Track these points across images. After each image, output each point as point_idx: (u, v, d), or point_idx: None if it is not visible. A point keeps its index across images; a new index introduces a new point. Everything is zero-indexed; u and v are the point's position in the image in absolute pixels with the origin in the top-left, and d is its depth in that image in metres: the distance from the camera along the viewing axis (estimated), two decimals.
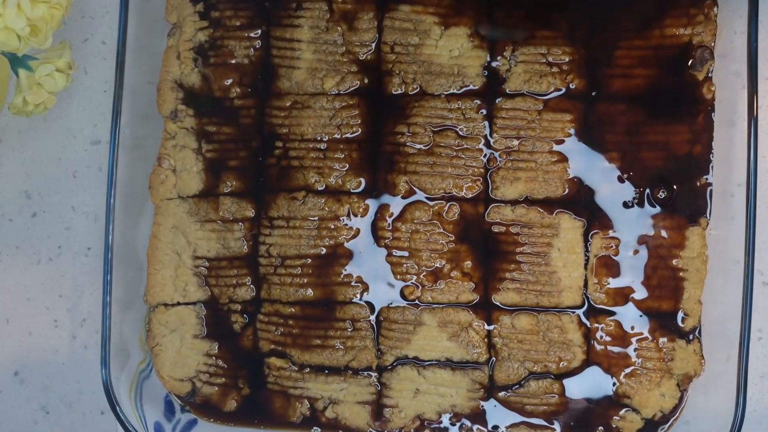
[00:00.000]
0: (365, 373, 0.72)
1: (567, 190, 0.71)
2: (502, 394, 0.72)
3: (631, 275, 0.70)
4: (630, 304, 0.70)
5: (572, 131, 0.71)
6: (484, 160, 0.72)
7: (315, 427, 0.73)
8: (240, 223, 0.73)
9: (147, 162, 0.76)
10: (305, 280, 0.73)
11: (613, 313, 0.71)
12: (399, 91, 0.73)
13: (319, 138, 0.73)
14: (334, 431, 0.73)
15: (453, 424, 0.72)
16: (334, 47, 0.73)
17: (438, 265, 0.71)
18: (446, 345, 0.72)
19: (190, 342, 0.74)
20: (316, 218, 0.73)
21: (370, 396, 0.73)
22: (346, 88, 0.73)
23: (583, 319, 0.71)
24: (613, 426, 0.71)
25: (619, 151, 0.70)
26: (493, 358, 0.72)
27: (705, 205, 0.70)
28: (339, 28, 0.73)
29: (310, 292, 0.73)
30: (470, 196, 0.72)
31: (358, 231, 0.73)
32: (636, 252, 0.70)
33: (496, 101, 0.72)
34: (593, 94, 0.71)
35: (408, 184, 0.72)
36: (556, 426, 0.71)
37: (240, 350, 0.74)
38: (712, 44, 0.70)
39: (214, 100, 0.74)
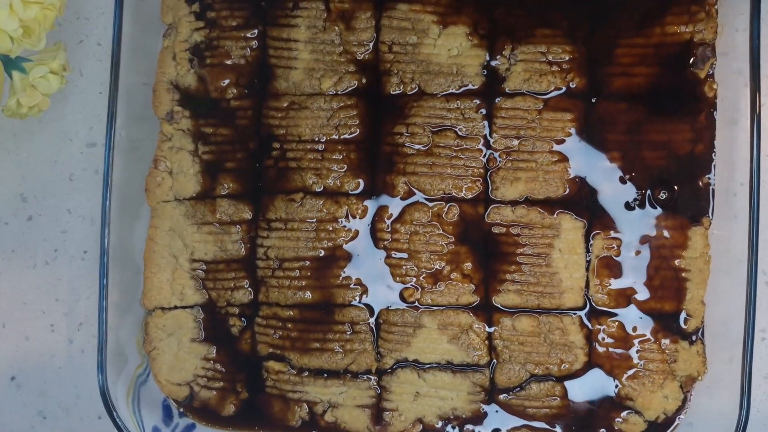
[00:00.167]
0: (365, 376, 0.72)
1: (568, 190, 0.70)
2: (503, 396, 0.71)
3: (633, 276, 0.70)
4: (632, 305, 0.70)
5: (573, 130, 0.70)
6: (484, 160, 0.71)
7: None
8: (237, 226, 0.73)
9: (143, 164, 0.75)
10: (303, 283, 0.72)
11: (615, 315, 0.70)
12: (397, 91, 0.72)
13: (316, 139, 0.72)
14: None
15: (454, 428, 0.71)
16: (331, 47, 0.72)
17: (438, 266, 0.71)
18: (446, 347, 0.71)
19: (187, 346, 0.73)
20: (314, 220, 0.72)
21: (369, 399, 0.72)
22: (343, 89, 0.72)
23: (585, 321, 0.70)
24: (616, 428, 0.70)
25: (621, 151, 0.70)
26: (494, 361, 0.71)
27: (707, 204, 0.69)
28: (336, 28, 0.72)
29: (308, 294, 0.72)
30: (470, 196, 0.71)
31: (356, 233, 0.72)
32: (638, 252, 0.69)
33: (496, 101, 0.71)
34: (594, 93, 0.70)
35: (407, 185, 0.71)
36: (558, 429, 0.70)
37: (238, 354, 0.73)
38: (714, 42, 0.69)
39: (210, 102, 0.73)
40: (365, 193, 0.72)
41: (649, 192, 0.69)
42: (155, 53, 0.75)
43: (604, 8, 0.70)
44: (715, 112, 0.69)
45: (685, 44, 0.69)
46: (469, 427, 0.71)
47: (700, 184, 0.69)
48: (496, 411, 0.71)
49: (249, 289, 0.73)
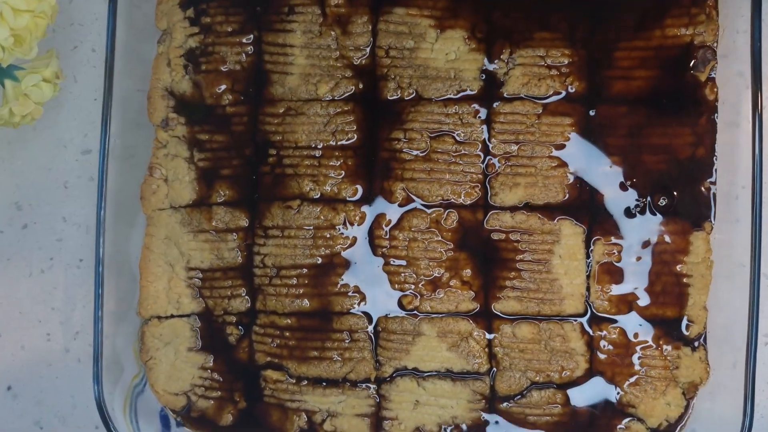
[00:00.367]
0: (364, 385, 0.71)
1: (567, 196, 0.69)
2: (503, 404, 0.70)
3: (635, 282, 0.69)
4: (633, 312, 0.69)
5: (572, 135, 0.69)
6: (483, 165, 0.70)
7: None
8: (234, 233, 0.72)
9: (139, 171, 0.74)
10: (301, 291, 0.71)
11: (616, 321, 0.69)
12: (395, 96, 0.71)
13: (313, 145, 0.71)
14: None
15: None
16: (327, 52, 0.72)
17: (437, 273, 0.70)
18: (446, 355, 0.70)
19: (184, 355, 0.72)
20: (312, 227, 0.71)
21: (369, 408, 0.71)
22: (340, 94, 0.72)
23: (586, 328, 0.69)
24: None
25: (621, 155, 0.69)
26: (494, 368, 0.70)
27: (709, 209, 0.68)
28: (332, 33, 0.71)
29: (306, 302, 0.71)
30: (469, 202, 0.70)
31: (354, 240, 0.71)
32: (639, 258, 0.69)
33: (494, 105, 0.70)
34: (593, 97, 0.69)
35: (405, 191, 0.70)
36: None
37: (235, 363, 0.72)
38: (715, 44, 0.68)
39: (205, 108, 0.73)
40: (363, 200, 0.71)
41: (649, 198, 0.68)
42: (150, 59, 0.74)
43: (604, 11, 0.70)
44: (716, 116, 0.68)
45: (685, 47, 0.69)
46: None
47: (702, 188, 0.68)
48: (497, 422, 0.70)
49: (246, 297, 0.72)
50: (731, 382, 0.68)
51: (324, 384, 0.71)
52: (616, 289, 0.69)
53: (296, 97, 0.72)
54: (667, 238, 0.68)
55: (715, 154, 0.68)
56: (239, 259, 0.72)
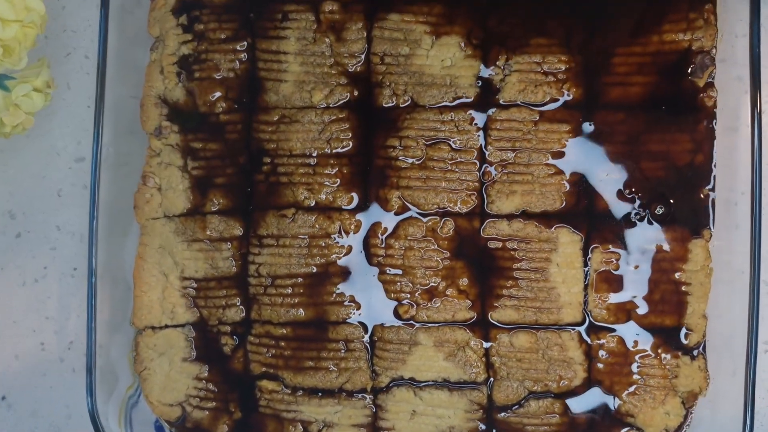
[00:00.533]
0: (360, 395, 0.70)
1: (565, 203, 0.69)
2: (501, 414, 0.69)
3: (633, 290, 0.68)
4: (632, 320, 0.68)
5: (569, 142, 0.69)
6: (479, 173, 0.69)
7: None
8: (228, 243, 0.71)
9: (132, 179, 0.73)
10: (296, 300, 0.71)
11: (614, 330, 0.68)
12: (390, 104, 0.70)
13: (308, 153, 0.71)
14: None
15: None
16: (322, 59, 0.71)
17: (433, 282, 0.69)
18: (443, 365, 0.70)
19: (179, 365, 0.72)
20: (307, 236, 0.70)
21: (365, 419, 0.70)
22: (335, 101, 0.71)
23: (584, 336, 0.69)
24: None
25: (619, 162, 0.68)
26: (492, 378, 0.69)
27: (708, 216, 0.68)
28: (327, 39, 0.71)
29: (301, 312, 0.71)
30: (465, 210, 0.69)
31: (350, 248, 0.70)
32: (637, 266, 0.68)
33: (490, 112, 0.69)
34: (590, 103, 0.69)
35: (401, 199, 0.70)
36: None
37: (231, 373, 0.72)
38: (713, 50, 0.68)
39: (199, 116, 0.72)
40: (358, 208, 0.70)
41: (647, 205, 0.68)
42: (143, 66, 0.74)
43: (601, 16, 0.69)
44: (714, 122, 0.68)
45: (683, 52, 0.68)
46: None
47: (701, 195, 0.68)
48: None
49: (241, 306, 0.71)
50: (731, 389, 0.67)
51: (320, 394, 0.71)
52: (615, 298, 0.68)
53: (290, 105, 0.71)
54: (665, 246, 0.68)
55: (714, 160, 0.68)
56: (234, 269, 0.71)
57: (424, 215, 0.70)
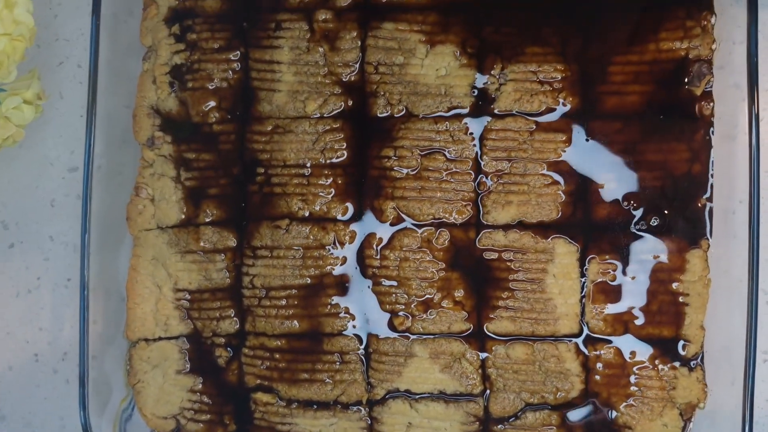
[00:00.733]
0: (355, 407, 0.70)
1: (561, 214, 0.68)
2: (498, 426, 0.69)
3: (630, 301, 0.67)
4: (629, 332, 0.68)
5: (566, 152, 0.68)
6: (475, 183, 0.69)
7: None
8: (222, 254, 0.71)
9: (126, 189, 0.73)
10: (291, 312, 0.70)
11: (611, 341, 0.68)
12: (384, 113, 0.70)
13: (302, 163, 0.70)
14: None
15: None
16: (315, 68, 0.70)
17: (428, 294, 0.69)
18: (439, 377, 0.69)
19: (173, 378, 0.71)
20: (301, 247, 0.70)
21: (360, 431, 0.70)
22: (329, 111, 0.70)
23: (581, 348, 0.68)
24: None
25: (615, 172, 0.68)
26: (488, 390, 0.69)
27: (705, 226, 0.67)
28: (320, 49, 0.70)
29: (296, 324, 0.70)
30: (461, 221, 0.69)
31: (344, 260, 0.70)
32: (634, 277, 0.67)
33: (486, 122, 0.69)
34: (587, 112, 0.68)
35: (396, 210, 0.69)
36: None
37: (225, 385, 0.71)
38: (710, 58, 0.67)
39: (192, 126, 0.71)
40: (353, 219, 0.70)
41: (644, 217, 0.67)
42: (136, 76, 0.73)
43: (597, 24, 0.68)
44: (712, 130, 0.67)
45: (680, 61, 0.67)
46: None
47: (698, 205, 0.67)
48: None
49: (235, 318, 0.71)
50: (729, 399, 0.67)
51: (315, 407, 0.70)
52: (612, 309, 0.68)
53: (284, 115, 0.70)
54: (663, 257, 0.67)
55: (712, 169, 0.67)
56: (228, 280, 0.71)
57: (419, 226, 0.69)
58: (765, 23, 0.72)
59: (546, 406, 0.68)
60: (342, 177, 0.70)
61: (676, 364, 0.67)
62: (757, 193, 0.66)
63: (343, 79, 0.70)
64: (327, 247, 0.70)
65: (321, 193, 0.70)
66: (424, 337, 0.69)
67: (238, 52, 0.71)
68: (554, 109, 0.68)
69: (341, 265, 0.70)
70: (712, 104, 0.67)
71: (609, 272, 0.67)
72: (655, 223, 0.67)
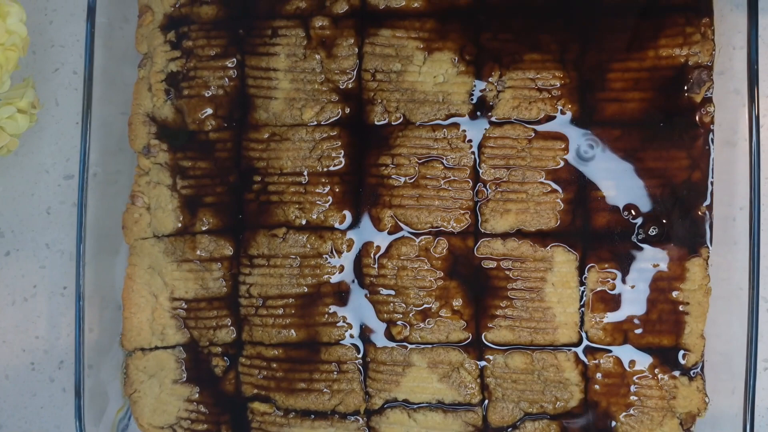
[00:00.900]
0: (353, 417, 0.69)
1: (560, 222, 0.67)
2: None
3: (630, 310, 0.67)
4: (629, 341, 0.67)
5: (564, 159, 0.68)
6: (473, 191, 0.68)
7: None
8: (218, 263, 0.70)
9: (122, 197, 0.72)
10: (288, 321, 0.70)
11: (610, 350, 0.67)
12: (382, 121, 0.69)
13: (299, 171, 0.69)
14: None
15: None
16: (312, 76, 0.70)
17: (426, 303, 0.68)
18: (437, 386, 0.69)
19: (169, 387, 0.71)
20: (298, 256, 0.69)
21: None
22: (326, 119, 0.70)
23: (580, 357, 0.68)
24: None
25: (615, 180, 0.67)
26: (487, 399, 0.68)
27: (705, 234, 0.66)
28: (317, 56, 0.70)
29: (293, 333, 0.70)
30: (459, 229, 0.68)
31: (342, 268, 0.69)
32: (634, 286, 0.67)
33: (484, 129, 0.68)
34: (586, 120, 0.67)
35: (393, 218, 0.69)
36: None
37: (222, 395, 0.71)
38: (710, 65, 0.66)
39: (188, 134, 0.71)
40: (350, 228, 0.69)
41: (641, 226, 0.67)
42: (132, 83, 0.72)
43: (595, 31, 0.68)
44: (712, 138, 0.66)
45: (680, 67, 0.67)
46: None
47: (698, 213, 0.66)
48: None
49: (232, 327, 0.70)
50: (730, 408, 0.66)
51: (312, 416, 0.70)
52: (611, 318, 0.67)
53: (281, 123, 0.70)
54: (662, 265, 0.67)
55: (712, 179, 0.67)
56: (224, 289, 0.70)
57: (417, 234, 0.69)
58: (765, 28, 0.72)
59: (545, 416, 0.68)
60: (339, 185, 0.69)
61: (676, 373, 0.67)
62: (758, 200, 0.65)
63: (340, 87, 0.70)
64: (324, 256, 0.69)
65: (318, 202, 0.69)
66: (422, 346, 0.69)
67: (235, 60, 0.71)
68: (553, 117, 0.68)
69: (338, 274, 0.69)
70: (712, 111, 0.66)
71: (608, 281, 0.67)
72: (655, 232, 0.66)
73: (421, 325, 0.68)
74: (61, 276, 0.77)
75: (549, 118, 0.68)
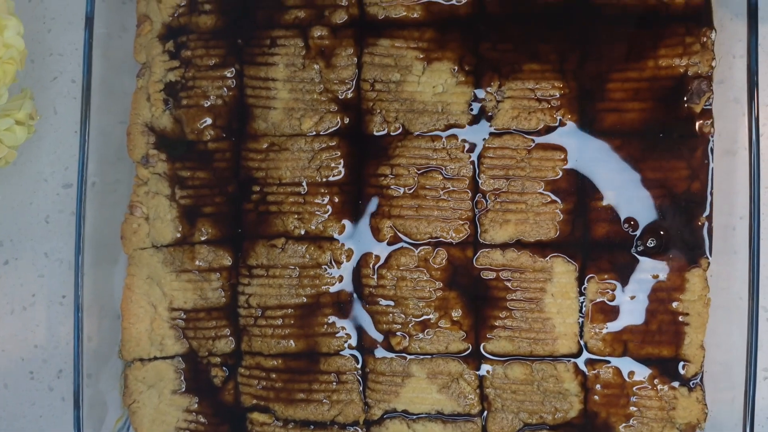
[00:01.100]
0: (352, 428, 0.69)
1: (559, 232, 0.67)
2: None
3: (629, 321, 0.67)
4: (628, 351, 0.67)
5: (564, 170, 0.67)
6: (472, 202, 0.68)
7: None
8: (217, 273, 0.70)
9: (120, 207, 0.72)
10: (287, 332, 0.69)
11: (610, 361, 0.67)
12: (381, 131, 0.69)
13: (298, 181, 0.69)
14: None
15: None
16: (311, 85, 0.70)
17: (426, 313, 0.68)
18: (436, 397, 0.68)
19: (168, 398, 0.71)
20: (297, 266, 0.69)
21: None
22: (325, 129, 0.69)
23: (580, 367, 0.68)
24: None
25: (614, 190, 0.67)
26: (486, 410, 0.68)
27: (705, 245, 0.66)
28: (316, 66, 0.69)
29: (292, 343, 0.70)
30: (458, 240, 0.68)
31: (341, 279, 0.69)
32: (633, 297, 0.67)
33: (483, 140, 0.68)
34: (585, 130, 0.67)
35: (393, 229, 0.68)
36: None
37: (221, 405, 0.70)
38: (710, 75, 0.66)
39: (187, 144, 0.71)
40: (349, 238, 0.69)
41: (641, 237, 0.66)
42: (131, 92, 0.72)
43: (595, 41, 0.67)
44: (711, 148, 0.66)
45: (679, 78, 0.66)
46: None
47: (698, 223, 0.66)
48: None
49: (231, 338, 0.70)
50: (730, 417, 0.66)
51: (312, 427, 0.70)
52: (611, 328, 0.67)
53: (280, 133, 0.70)
54: (662, 276, 0.67)
55: (712, 186, 0.66)
56: (223, 299, 0.70)
57: (417, 245, 0.68)
58: (765, 37, 0.71)
59: (544, 426, 0.68)
60: (338, 195, 0.69)
61: (676, 384, 0.67)
62: (758, 209, 0.65)
63: (339, 97, 0.69)
64: (323, 266, 0.69)
65: (317, 212, 0.69)
66: (422, 357, 0.69)
67: (233, 69, 0.70)
68: (552, 127, 0.67)
69: (338, 284, 0.69)
70: (711, 122, 0.66)
71: (608, 292, 0.67)
72: (655, 242, 0.66)
73: (421, 335, 0.68)
74: (60, 285, 0.77)
75: (548, 129, 0.67)
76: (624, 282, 0.67)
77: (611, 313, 0.67)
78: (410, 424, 0.69)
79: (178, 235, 0.70)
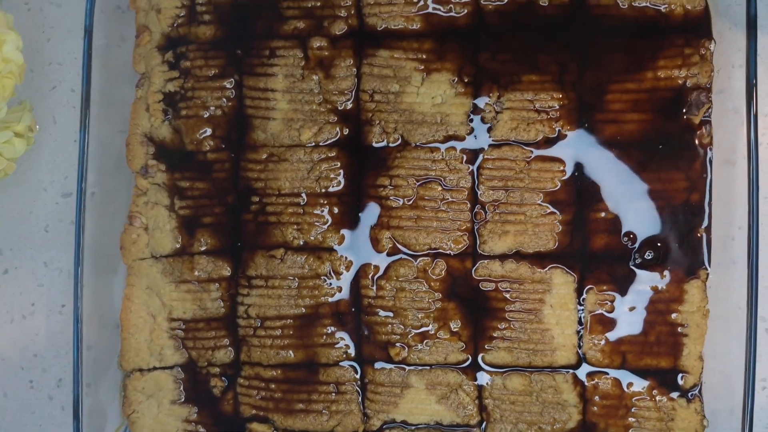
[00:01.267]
0: None
1: (558, 244, 0.67)
2: None
3: (628, 332, 0.67)
4: (627, 362, 0.67)
5: (563, 181, 0.67)
6: (471, 213, 0.68)
7: None
8: (216, 283, 0.70)
9: (119, 217, 0.72)
10: (286, 342, 0.69)
11: (609, 372, 0.67)
12: (380, 142, 0.69)
13: (297, 192, 0.69)
14: None
15: None
16: (310, 96, 0.70)
17: (425, 324, 0.68)
18: (435, 408, 0.69)
19: (168, 408, 0.71)
20: (296, 277, 0.69)
21: None
22: (324, 140, 0.70)
23: (579, 378, 0.68)
24: None
25: (613, 202, 0.67)
26: (485, 421, 0.68)
27: (704, 256, 0.66)
28: (315, 76, 0.69)
29: (291, 354, 0.70)
30: (457, 251, 0.68)
31: (340, 289, 0.69)
32: (632, 308, 0.67)
33: (482, 151, 0.68)
34: (584, 141, 0.67)
35: (392, 240, 0.68)
36: None
37: (220, 415, 0.71)
38: (709, 86, 0.66)
39: (186, 154, 0.71)
40: (348, 249, 0.69)
41: (640, 248, 0.66)
42: (130, 101, 0.72)
43: (594, 52, 0.67)
44: (710, 159, 0.66)
45: (678, 89, 0.66)
46: None
47: (697, 234, 0.66)
48: None
49: (230, 348, 0.70)
50: (728, 429, 0.66)
51: None
52: (609, 340, 0.67)
53: (279, 143, 0.70)
54: (661, 287, 0.67)
55: (711, 197, 0.66)
56: (222, 310, 0.70)
57: (416, 256, 0.68)
58: (764, 47, 0.72)
59: None
60: (337, 206, 0.69)
61: (674, 395, 0.67)
62: (756, 219, 0.65)
63: (338, 107, 0.69)
64: (322, 277, 0.69)
65: (316, 223, 0.69)
66: (421, 367, 0.69)
67: (233, 80, 0.70)
68: (551, 138, 0.68)
69: (337, 294, 0.69)
70: (710, 133, 0.66)
71: (606, 303, 0.67)
72: (653, 254, 0.66)
73: (420, 346, 0.68)
74: (59, 294, 0.77)
75: (547, 140, 0.67)
76: (623, 293, 0.67)
77: (610, 324, 0.67)
78: None
79: (178, 245, 0.71)
